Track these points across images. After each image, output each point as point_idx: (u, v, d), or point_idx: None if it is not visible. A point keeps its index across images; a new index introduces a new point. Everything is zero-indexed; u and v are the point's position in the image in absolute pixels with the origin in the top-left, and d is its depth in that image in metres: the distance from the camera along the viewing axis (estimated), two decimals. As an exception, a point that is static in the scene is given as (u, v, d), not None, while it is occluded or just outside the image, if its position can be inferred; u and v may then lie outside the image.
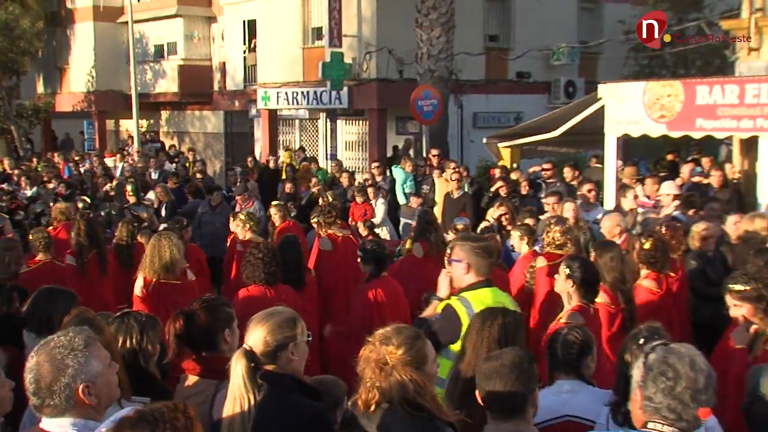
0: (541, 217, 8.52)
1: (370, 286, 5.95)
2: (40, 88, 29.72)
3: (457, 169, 12.22)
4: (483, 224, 8.74)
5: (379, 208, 12.06)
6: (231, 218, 8.73)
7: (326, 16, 19.13)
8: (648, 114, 9.42)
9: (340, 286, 7.38)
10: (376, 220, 11.54)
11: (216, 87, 25.53)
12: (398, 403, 2.87)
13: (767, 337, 4.07)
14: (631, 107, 9.61)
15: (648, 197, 9.70)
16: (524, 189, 11.22)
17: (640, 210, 8.93)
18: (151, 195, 12.38)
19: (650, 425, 2.44)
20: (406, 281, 6.48)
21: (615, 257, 5.27)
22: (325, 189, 12.66)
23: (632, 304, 5.23)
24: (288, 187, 13.09)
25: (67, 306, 3.94)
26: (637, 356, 2.58)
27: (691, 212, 8.13)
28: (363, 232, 9.74)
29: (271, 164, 16.49)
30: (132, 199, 11.56)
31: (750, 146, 9.63)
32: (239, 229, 8.14)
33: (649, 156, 13.76)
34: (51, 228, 8.53)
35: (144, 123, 26.23)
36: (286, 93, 20.85)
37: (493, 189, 11.04)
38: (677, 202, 8.62)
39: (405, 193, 13.33)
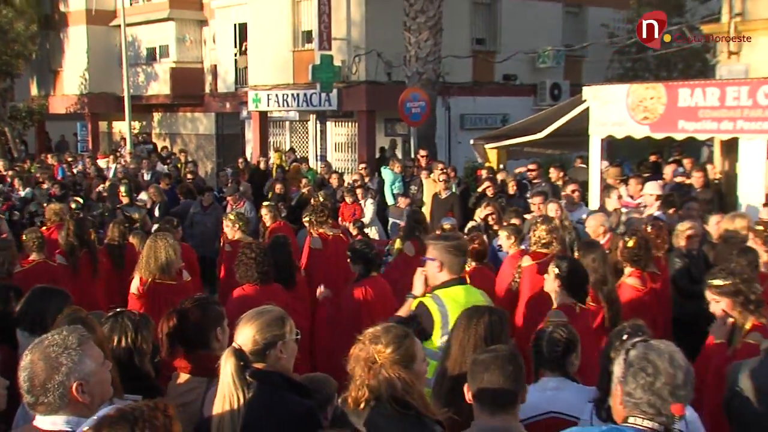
0: (527, 216, 8.61)
1: (359, 285, 6.01)
2: (34, 91, 29.66)
3: (444, 170, 12.27)
4: (470, 224, 8.78)
5: (368, 208, 12.12)
6: (224, 219, 8.78)
7: (316, 19, 19.15)
8: (631, 116, 9.50)
9: (330, 284, 7.42)
10: (365, 220, 11.60)
11: (207, 89, 25.48)
12: (386, 401, 2.90)
13: (746, 331, 4.15)
14: (615, 109, 9.68)
15: (632, 197, 9.75)
16: (512, 189, 11.28)
17: (623, 210, 8.98)
18: (143, 196, 12.38)
19: (630, 420, 2.47)
20: (399, 279, 6.51)
21: (597, 258, 5.35)
22: (315, 190, 12.71)
23: (616, 304, 5.28)
24: (278, 187, 13.11)
25: (61, 305, 3.94)
26: (619, 353, 2.62)
27: (671, 211, 8.21)
28: (353, 231, 9.82)
29: (262, 165, 16.51)
30: (125, 200, 11.60)
31: (730, 147, 9.71)
32: (228, 229, 8.20)
33: (632, 157, 13.83)
34: (44, 228, 8.53)
35: (136, 125, 26.16)
36: (277, 95, 20.85)
37: (480, 189, 11.09)
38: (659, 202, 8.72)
39: (393, 194, 13.39)
